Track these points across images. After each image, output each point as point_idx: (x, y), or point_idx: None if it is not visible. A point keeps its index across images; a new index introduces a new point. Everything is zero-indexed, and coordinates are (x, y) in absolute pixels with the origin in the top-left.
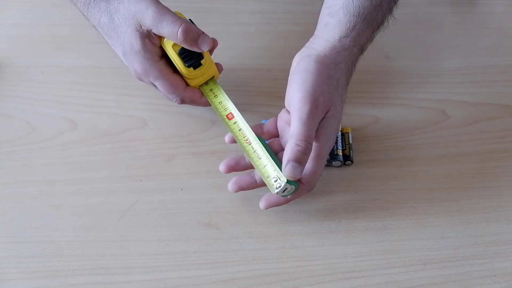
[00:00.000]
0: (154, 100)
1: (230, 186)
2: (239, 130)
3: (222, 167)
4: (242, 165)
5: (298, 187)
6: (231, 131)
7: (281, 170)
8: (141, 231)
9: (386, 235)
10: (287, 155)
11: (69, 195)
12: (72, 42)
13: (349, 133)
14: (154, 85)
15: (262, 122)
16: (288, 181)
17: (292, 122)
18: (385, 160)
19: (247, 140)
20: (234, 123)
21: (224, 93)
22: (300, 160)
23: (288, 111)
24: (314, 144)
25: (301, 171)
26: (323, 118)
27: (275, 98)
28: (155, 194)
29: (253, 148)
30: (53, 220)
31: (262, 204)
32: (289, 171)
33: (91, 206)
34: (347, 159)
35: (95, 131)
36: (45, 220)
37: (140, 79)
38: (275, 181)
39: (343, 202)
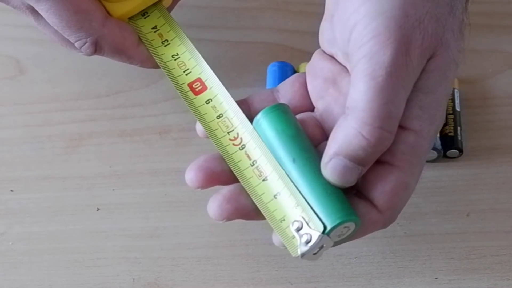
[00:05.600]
0: None
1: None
2: (219, 116)
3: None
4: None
5: (362, 223)
6: (200, 119)
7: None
8: None
9: None
10: (335, 145)
11: None
12: None
13: None
14: (34, 13)
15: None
16: (337, 219)
17: (353, 83)
18: None
19: (234, 137)
20: (207, 101)
21: (184, 36)
22: (360, 158)
23: (330, 56)
24: (403, 131)
25: (358, 176)
26: (422, 72)
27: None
28: None
29: (247, 154)
30: None
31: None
32: (332, 171)
33: None
34: None
35: None
36: None
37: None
38: (298, 230)
39: None
